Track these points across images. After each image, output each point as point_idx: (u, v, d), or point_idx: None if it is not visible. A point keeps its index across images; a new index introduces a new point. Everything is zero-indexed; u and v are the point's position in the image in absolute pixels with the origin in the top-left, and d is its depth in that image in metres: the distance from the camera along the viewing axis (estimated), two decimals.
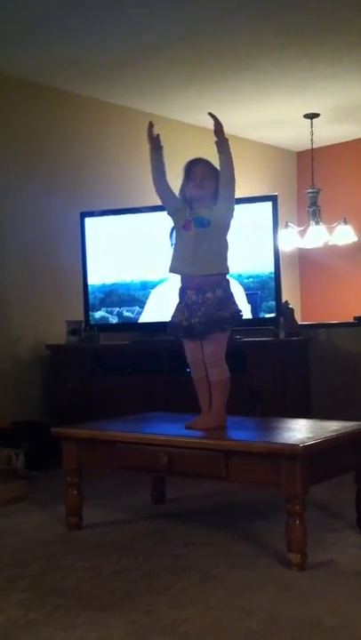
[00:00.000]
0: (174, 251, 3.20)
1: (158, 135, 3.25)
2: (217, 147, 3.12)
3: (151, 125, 3.24)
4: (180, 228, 3.18)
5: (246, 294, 4.59)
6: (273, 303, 4.59)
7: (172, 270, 3.21)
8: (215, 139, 3.13)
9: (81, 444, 3.23)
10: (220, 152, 3.12)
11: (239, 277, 4.54)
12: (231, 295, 3.14)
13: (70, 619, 2.29)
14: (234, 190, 3.14)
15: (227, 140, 3.13)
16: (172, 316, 3.20)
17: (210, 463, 2.84)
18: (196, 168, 3.17)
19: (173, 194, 3.22)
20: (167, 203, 3.23)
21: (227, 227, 3.15)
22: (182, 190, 3.20)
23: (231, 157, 3.11)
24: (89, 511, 3.29)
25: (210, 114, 3.14)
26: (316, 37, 4.46)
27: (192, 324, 3.10)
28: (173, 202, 3.21)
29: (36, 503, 3.71)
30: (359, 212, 6.50)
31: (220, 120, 3.15)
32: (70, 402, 4.80)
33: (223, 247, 3.15)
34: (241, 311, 3.18)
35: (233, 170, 3.12)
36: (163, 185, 3.22)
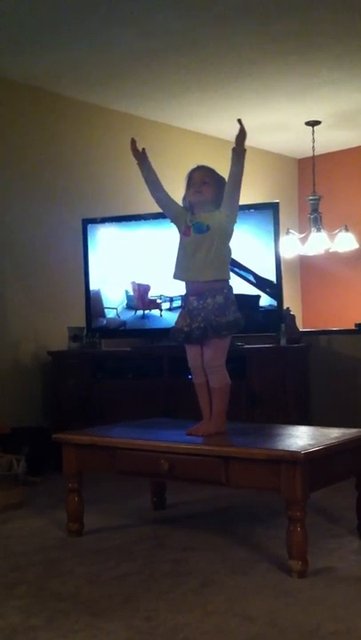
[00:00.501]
0: (176, 257, 3.22)
1: (144, 149, 3.27)
2: (233, 153, 3.11)
3: (133, 142, 3.26)
4: (180, 235, 3.21)
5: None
6: None
7: (175, 277, 3.24)
8: (234, 145, 3.12)
9: (82, 450, 3.23)
10: (234, 159, 3.11)
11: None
12: (232, 302, 3.15)
13: (70, 624, 2.29)
14: (238, 199, 3.15)
15: (245, 150, 3.12)
16: (175, 322, 3.23)
17: (210, 469, 2.84)
18: (195, 174, 3.20)
19: (172, 200, 3.25)
20: (167, 210, 3.26)
21: (227, 233, 3.16)
22: (184, 197, 3.22)
23: (243, 168, 3.11)
24: (88, 516, 3.29)
25: (239, 120, 3.13)
26: (317, 44, 4.47)
27: (192, 330, 3.11)
28: (173, 207, 3.23)
29: (35, 508, 3.72)
30: (360, 219, 6.51)
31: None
32: (71, 407, 4.80)
33: (223, 253, 3.15)
34: (241, 318, 3.18)
35: (241, 180, 3.12)
36: (159, 194, 3.25)
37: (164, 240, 4.57)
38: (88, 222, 5.02)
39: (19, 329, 4.94)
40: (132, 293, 4.92)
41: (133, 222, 4.96)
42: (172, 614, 2.33)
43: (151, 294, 4.86)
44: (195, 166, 3.24)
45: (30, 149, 5.07)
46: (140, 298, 4.90)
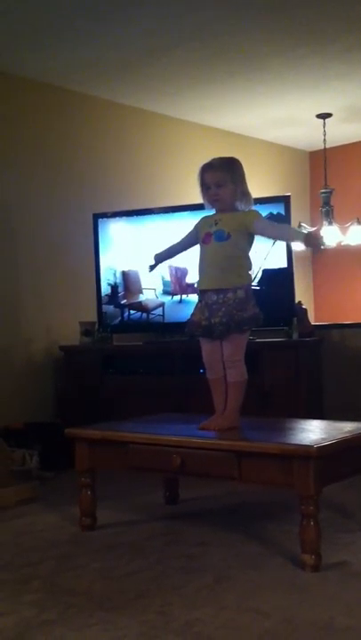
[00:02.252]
0: (199, 266, 3.20)
1: (152, 266, 3.42)
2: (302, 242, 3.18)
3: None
4: (200, 243, 3.18)
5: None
6: None
7: (198, 286, 3.21)
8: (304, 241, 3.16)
9: (94, 445, 3.23)
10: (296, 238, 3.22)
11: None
12: (252, 297, 3.12)
13: (83, 619, 2.29)
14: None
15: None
16: (192, 315, 3.19)
17: (223, 464, 2.83)
18: (207, 176, 3.12)
19: (186, 240, 3.28)
20: (191, 246, 3.29)
21: (248, 238, 3.13)
22: (203, 197, 3.18)
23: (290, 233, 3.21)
24: (101, 511, 3.29)
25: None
26: (328, 36, 4.44)
27: (212, 324, 3.08)
28: (190, 241, 3.26)
29: (48, 504, 3.72)
30: None
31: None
32: (83, 402, 4.80)
33: (244, 261, 3.12)
34: (260, 313, 3.15)
35: (279, 234, 3.23)
36: (179, 250, 3.34)
37: (174, 234, 4.55)
38: (99, 217, 5.02)
39: (31, 324, 4.95)
40: (168, 279, 4.83)
41: (144, 216, 4.94)
42: (185, 609, 2.33)
43: (189, 280, 4.75)
44: (204, 165, 3.15)
45: (41, 145, 5.07)
46: (178, 282, 4.80)
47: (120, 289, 4.97)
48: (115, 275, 4.96)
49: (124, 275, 4.95)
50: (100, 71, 4.90)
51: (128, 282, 4.97)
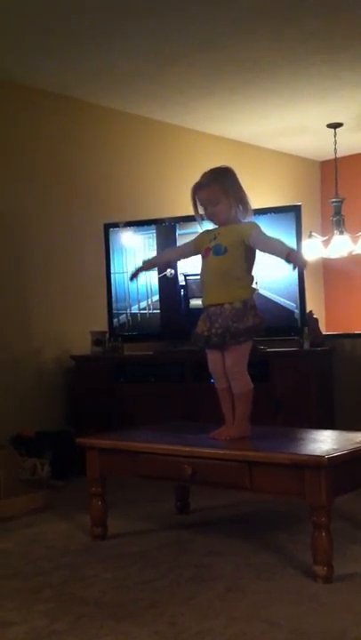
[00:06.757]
0: (200, 281, 3.24)
1: (140, 268, 3.37)
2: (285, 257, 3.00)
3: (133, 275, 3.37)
4: (201, 257, 3.21)
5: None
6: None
7: (202, 302, 3.23)
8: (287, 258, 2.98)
9: (104, 454, 3.23)
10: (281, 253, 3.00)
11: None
12: (251, 307, 3.10)
13: (94, 629, 2.29)
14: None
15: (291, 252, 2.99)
16: (196, 326, 3.21)
17: (234, 473, 2.83)
18: (200, 195, 3.13)
19: (186, 249, 3.33)
20: (189, 256, 3.35)
21: (247, 252, 3.11)
22: (197, 216, 3.21)
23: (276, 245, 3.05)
24: (112, 521, 3.29)
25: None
26: (339, 45, 4.45)
27: (211, 335, 3.11)
28: (190, 250, 3.29)
29: (59, 512, 3.73)
30: None
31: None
32: (94, 411, 4.81)
33: (242, 274, 3.11)
34: (262, 323, 3.12)
35: (270, 247, 3.06)
36: (177, 257, 3.44)
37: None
38: (110, 227, 5.04)
39: (42, 334, 4.96)
40: None
41: (156, 226, 4.95)
42: (196, 620, 2.32)
43: None
44: (194, 186, 3.14)
45: (52, 155, 5.09)
46: None
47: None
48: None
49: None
50: (111, 81, 4.93)
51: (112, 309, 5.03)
